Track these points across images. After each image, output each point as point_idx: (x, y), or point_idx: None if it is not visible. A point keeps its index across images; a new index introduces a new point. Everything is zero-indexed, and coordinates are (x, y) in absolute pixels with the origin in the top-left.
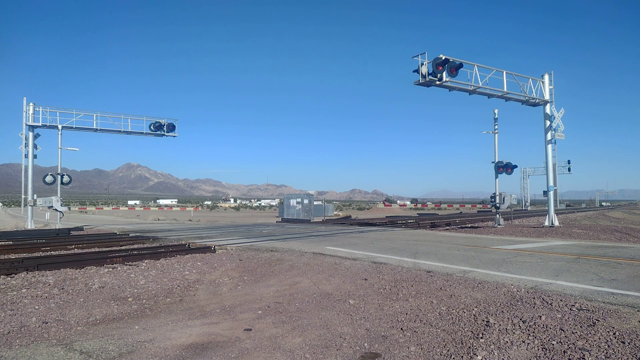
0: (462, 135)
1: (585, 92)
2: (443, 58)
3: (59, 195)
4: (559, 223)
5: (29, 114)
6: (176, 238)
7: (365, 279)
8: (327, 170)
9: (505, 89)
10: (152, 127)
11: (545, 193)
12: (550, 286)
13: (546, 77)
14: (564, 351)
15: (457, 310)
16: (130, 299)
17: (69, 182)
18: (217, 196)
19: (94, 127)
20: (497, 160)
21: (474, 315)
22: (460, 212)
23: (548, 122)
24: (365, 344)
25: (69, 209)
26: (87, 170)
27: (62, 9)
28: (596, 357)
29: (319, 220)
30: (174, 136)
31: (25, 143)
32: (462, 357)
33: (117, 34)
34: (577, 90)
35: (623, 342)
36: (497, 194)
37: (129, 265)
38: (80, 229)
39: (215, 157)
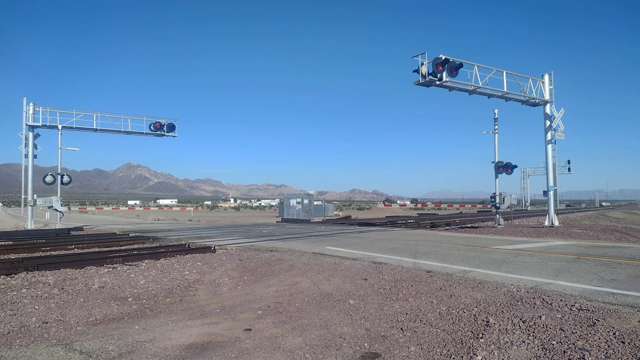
0: (462, 135)
1: (585, 92)
2: (443, 58)
3: (59, 195)
4: (559, 223)
5: (29, 114)
6: (176, 238)
7: (365, 279)
8: (327, 170)
9: (505, 89)
10: (152, 127)
11: (545, 193)
12: (550, 286)
13: (546, 77)
14: (564, 351)
15: (457, 310)
16: (130, 299)
17: (69, 182)
18: (217, 196)
19: (94, 127)
20: (497, 160)
21: (474, 315)
22: (460, 212)
23: (548, 122)
24: (365, 344)
25: (69, 209)
26: (87, 170)
27: (62, 9)
28: (596, 357)
29: (319, 220)
30: (174, 136)
31: (25, 143)
32: (462, 357)
33: (117, 34)
34: (577, 90)
35: (623, 342)
36: (497, 194)
37: (129, 265)
38: (80, 229)
39: (215, 157)
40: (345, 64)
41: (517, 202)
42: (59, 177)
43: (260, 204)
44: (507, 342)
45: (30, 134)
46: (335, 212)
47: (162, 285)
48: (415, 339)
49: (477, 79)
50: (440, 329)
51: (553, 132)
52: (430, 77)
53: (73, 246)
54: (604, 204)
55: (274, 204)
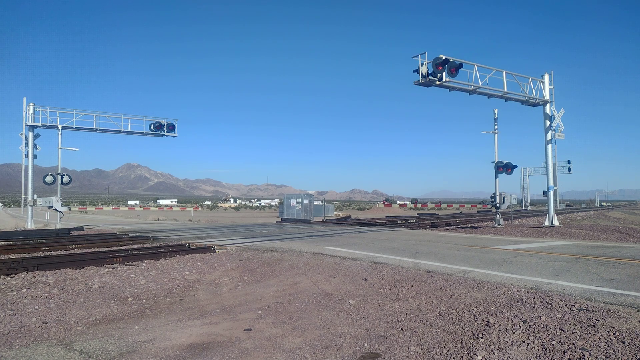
0: (462, 135)
1: (585, 92)
2: (443, 58)
3: (59, 195)
4: (559, 223)
5: (29, 114)
6: (176, 238)
7: (365, 279)
8: (327, 170)
9: (505, 89)
10: (152, 127)
11: (545, 193)
12: (550, 286)
13: (546, 77)
14: (564, 351)
15: (457, 310)
16: (130, 299)
17: (69, 182)
18: (217, 196)
19: (94, 127)
20: (497, 160)
21: (474, 315)
22: (460, 212)
23: (548, 122)
24: (365, 344)
25: (69, 209)
26: (87, 170)
27: (62, 9)
28: (596, 357)
29: (319, 220)
30: (174, 136)
31: (25, 143)
32: (462, 357)
33: (117, 34)
34: (577, 90)
35: (623, 342)
36: (497, 194)
37: (129, 265)
38: (80, 229)
39: (215, 157)
40: (345, 64)
41: (517, 202)
42: (59, 177)
43: (260, 204)
44: (507, 342)
45: (30, 134)
46: (335, 212)
47: (162, 285)
48: (415, 339)
49: (477, 79)
50: (440, 329)
51: (553, 132)
52: (430, 77)
53: (73, 246)
54: (604, 204)
55: (274, 204)
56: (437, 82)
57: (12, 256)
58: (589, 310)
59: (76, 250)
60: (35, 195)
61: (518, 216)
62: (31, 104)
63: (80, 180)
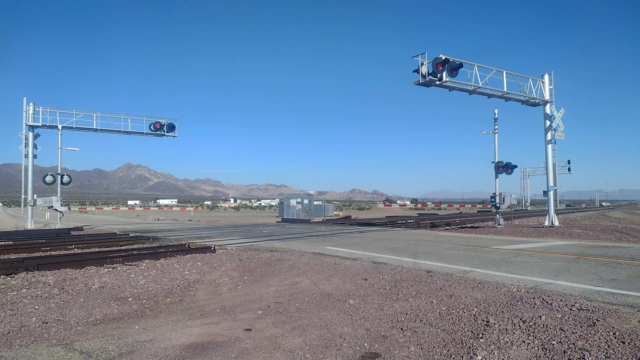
0: (462, 135)
1: (585, 92)
2: (443, 58)
3: (59, 195)
4: (559, 223)
5: (29, 114)
6: (176, 238)
7: (365, 279)
8: (327, 170)
9: (505, 89)
10: (152, 127)
11: (545, 193)
12: (550, 286)
13: (546, 77)
14: (564, 351)
15: (457, 310)
16: (130, 299)
17: (69, 182)
18: (217, 196)
19: (94, 127)
20: (497, 160)
21: (474, 315)
22: (460, 212)
23: (548, 122)
24: (365, 344)
25: (69, 209)
26: (87, 170)
27: (62, 9)
28: (596, 357)
29: (319, 220)
30: (174, 136)
31: (25, 143)
32: (462, 357)
33: (117, 34)
34: (577, 90)
35: (623, 342)
36: (497, 194)
37: (129, 265)
38: (80, 229)
39: (215, 157)
40: (345, 64)
41: (517, 202)
42: (59, 177)
43: (260, 204)
44: (507, 342)
45: (30, 134)
46: (335, 212)
47: (162, 285)
48: (415, 339)
49: (477, 79)
50: (440, 329)
51: (553, 132)
52: (430, 77)
53: (73, 246)
54: (604, 204)
55: (274, 204)
56: (437, 82)
57: (12, 256)
58: (589, 310)
59: (76, 250)
60: (35, 195)
61: (518, 216)
62: (31, 104)
63: (80, 180)
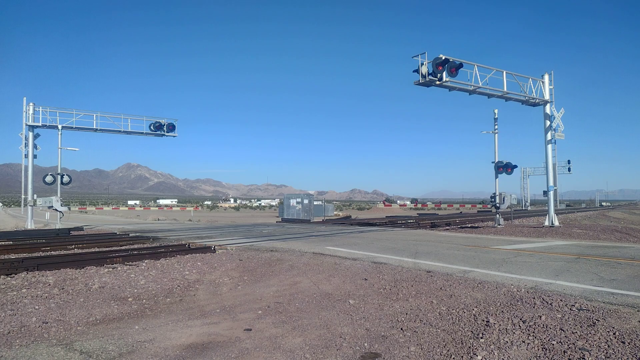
0: (462, 135)
1: (585, 92)
2: (443, 58)
3: (59, 195)
4: (559, 223)
5: (29, 114)
6: (176, 238)
7: (365, 279)
8: (327, 170)
9: (505, 89)
10: (152, 127)
11: (545, 193)
12: (550, 286)
13: (546, 77)
14: (564, 351)
15: (457, 310)
16: (130, 299)
17: (69, 182)
18: (217, 196)
19: (94, 127)
20: (497, 160)
21: (474, 315)
22: (460, 212)
23: (548, 122)
24: (365, 344)
25: (69, 209)
26: (87, 170)
27: (62, 9)
28: (596, 357)
29: (319, 220)
30: (174, 136)
31: (25, 143)
32: (462, 357)
33: (117, 34)
34: (577, 90)
35: (623, 342)
36: (497, 194)
37: (129, 265)
38: (80, 229)
39: (215, 157)
40: (345, 64)
41: (517, 202)
42: (59, 177)
43: (260, 204)
44: (507, 342)
45: (30, 134)
46: (335, 212)
47: (162, 285)
48: (415, 339)
49: (477, 79)
50: (440, 329)
51: (553, 132)
52: (430, 77)
53: (73, 246)
54: (604, 204)
55: (274, 204)
56: (437, 82)
57: (12, 256)
58: (589, 310)
59: (76, 250)
60: (35, 195)
61: (518, 216)
62: (31, 104)
63: (80, 180)
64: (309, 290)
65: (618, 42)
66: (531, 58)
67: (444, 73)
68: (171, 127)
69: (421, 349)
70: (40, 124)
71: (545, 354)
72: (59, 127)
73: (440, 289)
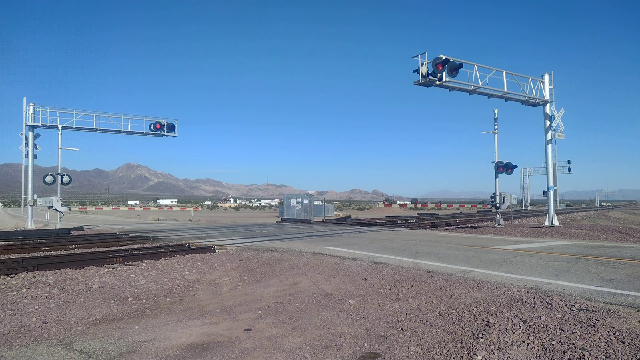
0: (462, 135)
1: (585, 92)
2: (443, 58)
3: (59, 195)
4: (559, 223)
5: (29, 114)
6: (176, 238)
7: (365, 279)
8: (327, 170)
9: (505, 89)
10: (152, 127)
11: (545, 193)
12: (550, 286)
13: (546, 77)
14: (564, 351)
15: (457, 310)
16: (130, 299)
17: (69, 182)
18: (217, 196)
19: (94, 127)
20: (497, 160)
21: (474, 315)
22: (460, 212)
23: (548, 122)
24: (365, 344)
25: (69, 209)
26: (87, 170)
27: (62, 9)
28: (596, 357)
29: (319, 220)
30: (174, 136)
31: (25, 143)
32: (462, 357)
33: (117, 34)
34: (577, 90)
35: (623, 342)
36: (497, 194)
37: (129, 265)
38: (80, 229)
39: (215, 157)
40: (345, 64)
41: (517, 202)
42: (59, 177)
43: (260, 204)
44: (507, 342)
45: (30, 134)
46: (335, 212)
47: (162, 285)
48: (415, 339)
49: (477, 79)
50: (440, 329)
51: (553, 132)
52: (430, 77)
53: (73, 246)
54: (604, 204)
55: (274, 204)
56: (437, 82)
57: (12, 256)
58: (589, 310)
59: (76, 250)
60: (35, 195)
61: (518, 216)
62: (31, 104)
63: (80, 180)
64: (309, 290)
65: (618, 42)
66: (531, 58)
67: (444, 73)
68: (171, 127)
69: (421, 349)
70: (40, 124)
71: (545, 354)
72: (59, 127)
73: (440, 289)
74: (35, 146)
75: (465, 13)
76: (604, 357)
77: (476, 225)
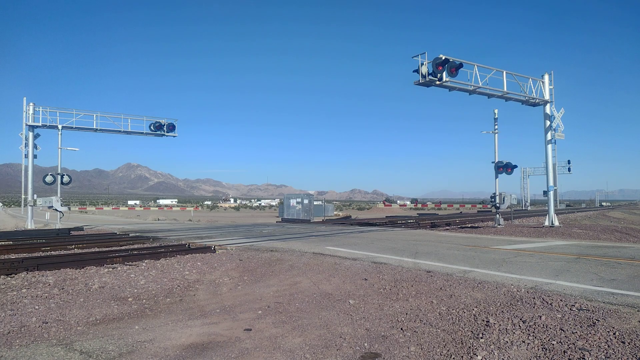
0: (462, 135)
1: (585, 92)
2: (443, 58)
3: (59, 195)
4: (559, 223)
5: (29, 114)
6: (176, 238)
7: (365, 279)
8: (327, 170)
9: (505, 89)
10: (152, 127)
11: (545, 193)
12: (550, 286)
13: (546, 77)
14: (564, 351)
15: (457, 310)
16: (130, 299)
17: (69, 182)
18: (217, 196)
19: (94, 127)
20: (497, 160)
21: (474, 315)
22: (460, 212)
23: (548, 122)
24: (365, 344)
25: (69, 209)
26: (87, 170)
27: (62, 9)
28: (596, 357)
29: (319, 220)
30: (174, 136)
31: (25, 143)
32: (462, 357)
33: (117, 34)
34: (577, 90)
35: (623, 342)
36: (497, 194)
37: (129, 265)
38: (80, 229)
39: (215, 157)
40: (345, 64)
41: (517, 202)
42: (59, 177)
43: (260, 204)
44: (507, 342)
45: (30, 134)
46: (335, 212)
47: (162, 285)
48: (416, 339)
49: (477, 79)
50: (440, 329)
51: (553, 132)
52: (430, 77)
53: (73, 246)
54: (604, 204)
55: (274, 204)
56: (437, 82)
57: (12, 256)
58: (589, 310)
59: (76, 250)
60: (35, 195)
61: (518, 216)
62: (31, 104)
63: (80, 180)
64: (309, 290)
65: (618, 42)
66: (531, 58)
67: (444, 73)
68: (171, 127)
69: (421, 349)
70: (40, 124)
71: (545, 354)
72: (59, 127)
73: (440, 289)
74: (35, 146)
75: (465, 13)
76: (604, 357)
77: (476, 225)
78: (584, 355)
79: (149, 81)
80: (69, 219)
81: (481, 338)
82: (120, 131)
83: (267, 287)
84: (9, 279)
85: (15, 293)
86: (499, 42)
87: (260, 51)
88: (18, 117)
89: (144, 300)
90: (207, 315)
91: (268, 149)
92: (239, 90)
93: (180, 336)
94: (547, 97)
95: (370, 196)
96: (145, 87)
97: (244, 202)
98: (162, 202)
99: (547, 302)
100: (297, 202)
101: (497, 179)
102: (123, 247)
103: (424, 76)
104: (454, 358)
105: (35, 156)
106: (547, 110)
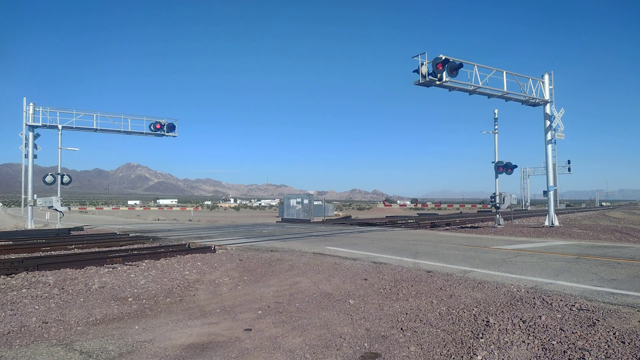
0: (462, 135)
1: (585, 92)
2: (443, 58)
3: (59, 195)
4: (559, 223)
5: (29, 114)
6: (176, 238)
7: (365, 279)
8: (327, 170)
9: (505, 89)
10: (152, 127)
11: (545, 193)
12: (550, 286)
13: (546, 77)
14: (564, 351)
15: (457, 310)
16: (130, 299)
17: (69, 182)
18: (217, 196)
19: (94, 127)
20: (497, 160)
21: (474, 315)
22: (460, 212)
23: (548, 122)
24: (365, 344)
25: (69, 209)
26: (87, 170)
27: (62, 9)
28: (596, 357)
29: (319, 220)
30: (174, 136)
31: (25, 143)
32: (462, 357)
33: (117, 34)
34: (577, 90)
35: (623, 342)
36: (497, 194)
37: (129, 265)
38: (80, 229)
39: (215, 157)
40: (346, 64)
41: (517, 202)
42: (59, 177)
43: (260, 204)
44: (507, 342)
45: (30, 134)
46: (335, 212)
47: (162, 285)
48: (415, 339)
49: (477, 79)
50: (440, 329)
51: (553, 132)
52: (430, 77)
53: (73, 246)
54: (604, 204)
55: (274, 204)
56: (437, 82)
57: (12, 256)
58: (589, 310)
59: (76, 250)
60: (35, 195)
61: (518, 216)
62: (31, 104)
63: (80, 180)
64: (309, 290)
65: (618, 42)
66: (531, 58)
67: (444, 73)
68: (171, 127)
69: (421, 349)
70: (40, 124)
71: (545, 354)
72: (59, 127)
73: (440, 289)
74: (35, 146)
75: (465, 13)
76: (604, 357)
77: (476, 225)
78: (584, 355)
79: (149, 81)
80: (69, 219)
81: (481, 338)
82: (120, 131)
83: (267, 287)
84: (9, 279)
85: (15, 293)
86: (499, 42)
87: (260, 51)
88: (18, 117)
89: (144, 300)
90: (207, 315)
91: (268, 149)
92: (239, 90)
93: (180, 336)
94: (547, 97)
95: (370, 196)
96: (145, 87)
97: (244, 202)
98: (162, 202)
99: (547, 302)
100: (297, 202)
101: (497, 179)
102: (123, 247)
103: (424, 76)
104: (454, 358)
105: (35, 156)
106: (547, 110)
